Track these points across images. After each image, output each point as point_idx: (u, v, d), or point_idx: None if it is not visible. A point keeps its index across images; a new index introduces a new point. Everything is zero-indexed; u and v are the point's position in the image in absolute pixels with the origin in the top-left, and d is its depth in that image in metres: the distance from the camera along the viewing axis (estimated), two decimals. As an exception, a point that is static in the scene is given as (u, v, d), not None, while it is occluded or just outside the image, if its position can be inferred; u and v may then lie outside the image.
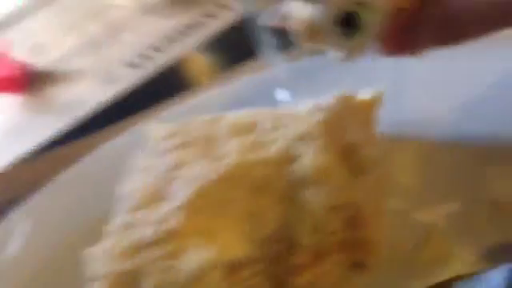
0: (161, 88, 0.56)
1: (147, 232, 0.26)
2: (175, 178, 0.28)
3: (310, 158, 0.25)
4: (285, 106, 0.32)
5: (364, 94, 0.30)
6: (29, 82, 0.65)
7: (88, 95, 0.60)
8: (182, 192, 0.26)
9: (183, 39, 0.60)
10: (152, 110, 0.52)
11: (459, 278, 0.23)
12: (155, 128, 0.32)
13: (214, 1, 0.62)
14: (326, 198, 0.25)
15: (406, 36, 0.24)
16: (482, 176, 0.29)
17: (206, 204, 0.26)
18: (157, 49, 0.61)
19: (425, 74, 0.33)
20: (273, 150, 0.27)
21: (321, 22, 0.24)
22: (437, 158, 0.31)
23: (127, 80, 0.58)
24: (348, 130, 0.27)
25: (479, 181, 0.29)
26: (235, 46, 0.56)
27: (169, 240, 0.26)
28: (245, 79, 0.42)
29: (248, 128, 0.29)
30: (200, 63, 0.60)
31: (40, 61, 0.68)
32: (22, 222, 0.38)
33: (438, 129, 0.32)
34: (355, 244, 0.27)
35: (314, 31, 0.24)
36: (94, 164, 0.39)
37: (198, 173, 0.27)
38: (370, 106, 0.30)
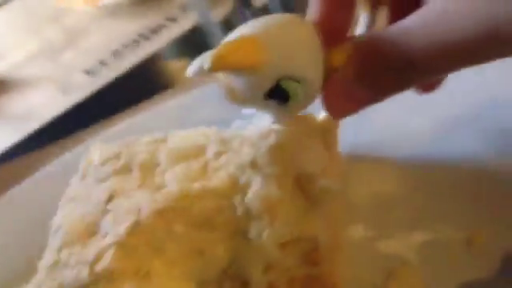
0: (120, 96, 0.53)
1: (77, 273, 0.23)
2: (109, 209, 0.24)
3: (258, 189, 0.22)
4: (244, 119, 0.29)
5: (323, 114, 0.27)
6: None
7: (44, 104, 0.56)
8: (115, 227, 0.23)
9: (144, 44, 0.57)
10: (109, 120, 0.49)
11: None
12: (93, 150, 0.29)
13: (174, 3, 0.59)
14: (277, 233, 0.22)
15: (347, 94, 0.21)
16: (454, 203, 0.26)
17: (143, 240, 0.23)
18: (117, 55, 0.57)
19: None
20: (218, 180, 0.24)
21: (248, 91, 0.21)
22: (405, 183, 0.28)
23: (85, 88, 0.55)
24: (305, 155, 0.24)
25: (451, 209, 0.26)
26: (196, 50, 0.53)
27: (101, 283, 0.22)
28: (203, 88, 0.39)
29: (192, 153, 0.26)
30: (162, 68, 0.57)
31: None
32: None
33: (408, 150, 0.29)
34: (313, 281, 0.24)
35: (241, 99, 0.21)
36: (34, 188, 0.36)
37: (133, 205, 0.24)
38: (331, 127, 0.27)
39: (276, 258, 0.23)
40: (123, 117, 0.47)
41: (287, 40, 0.21)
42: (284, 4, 0.41)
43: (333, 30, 0.22)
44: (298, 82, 0.20)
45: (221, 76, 0.22)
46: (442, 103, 0.30)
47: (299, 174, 0.23)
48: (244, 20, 0.40)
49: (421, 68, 0.19)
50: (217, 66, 0.20)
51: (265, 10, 0.43)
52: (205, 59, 0.20)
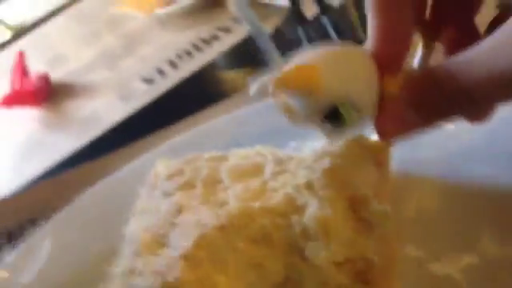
0: (176, 104, 0.56)
1: (150, 282, 0.25)
2: (176, 223, 0.27)
3: (314, 211, 0.24)
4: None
5: (375, 136, 0.28)
6: (46, 95, 0.66)
7: (104, 110, 0.60)
8: (182, 240, 0.26)
9: (198, 53, 0.59)
10: (168, 128, 0.51)
11: None
12: (159, 164, 0.32)
13: (226, 14, 0.61)
14: (332, 253, 0.24)
15: (400, 120, 0.23)
16: (502, 223, 0.27)
17: (207, 254, 0.25)
18: (172, 63, 0.60)
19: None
20: (277, 199, 0.26)
21: (305, 112, 0.23)
22: (457, 204, 0.29)
23: (142, 96, 0.58)
24: (358, 177, 0.26)
25: (499, 229, 0.27)
26: (251, 61, 0.54)
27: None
28: (260, 103, 0.41)
29: (251, 172, 0.28)
30: (217, 78, 0.59)
31: (57, 73, 0.68)
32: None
33: (462, 172, 0.30)
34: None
35: (298, 119, 0.23)
36: (98, 196, 0.39)
37: (199, 220, 0.26)
38: (383, 149, 0.28)
39: (330, 276, 0.24)
40: (181, 126, 0.49)
41: (345, 68, 0.22)
42: (334, 19, 0.43)
43: (389, 60, 0.24)
44: (354, 108, 0.22)
45: (281, 96, 0.24)
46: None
47: (353, 197, 0.25)
48: (296, 33, 0.42)
49: (474, 98, 0.20)
50: (278, 87, 0.22)
51: (316, 23, 0.44)
52: (267, 81, 0.22)
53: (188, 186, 0.29)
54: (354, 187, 0.25)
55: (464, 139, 0.31)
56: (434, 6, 0.26)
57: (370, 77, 0.23)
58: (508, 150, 0.30)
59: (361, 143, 0.27)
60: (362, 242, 0.24)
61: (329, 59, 0.22)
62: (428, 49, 0.27)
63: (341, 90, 0.22)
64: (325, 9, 0.42)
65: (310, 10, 0.45)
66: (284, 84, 0.22)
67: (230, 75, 0.57)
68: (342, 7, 0.43)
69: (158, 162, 0.32)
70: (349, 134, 0.25)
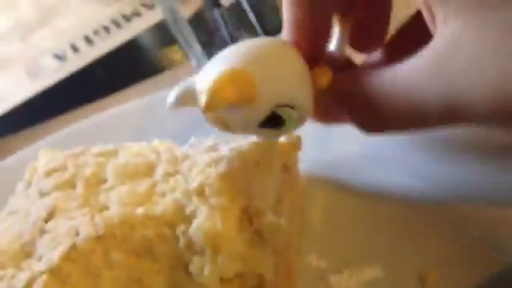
0: (88, 85, 0.51)
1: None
2: (47, 230, 0.23)
3: (202, 221, 0.21)
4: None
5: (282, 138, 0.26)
6: None
7: (8, 87, 0.54)
8: (50, 250, 0.22)
9: (117, 30, 0.54)
10: (74, 112, 0.47)
11: None
12: (42, 157, 0.28)
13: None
14: (219, 268, 0.21)
15: (329, 112, 0.24)
16: (408, 239, 0.25)
17: (79, 268, 0.22)
18: (88, 40, 0.55)
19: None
20: (163, 206, 0.22)
21: (242, 122, 0.21)
22: (364, 211, 0.27)
23: (52, 73, 0.52)
24: (257, 184, 0.23)
25: (406, 245, 0.25)
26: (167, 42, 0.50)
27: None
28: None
29: (141, 172, 0.24)
30: (136, 58, 0.54)
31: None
32: None
33: (371, 176, 0.28)
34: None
35: (234, 129, 0.21)
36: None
37: (72, 227, 0.22)
38: (291, 152, 0.26)
39: (217, 293, 0.21)
40: (89, 109, 0.45)
41: (277, 68, 0.20)
42: (255, 3, 0.40)
43: (311, 52, 0.22)
44: (293, 107, 0.20)
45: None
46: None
47: (247, 207, 0.22)
48: (212, 18, 0.38)
49: (386, 124, 0.20)
50: (213, 106, 0.19)
51: (235, 8, 0.41)
52: (189, 91, 0.20)
53: (67, 184, 0.25)
54: (250, 196, 0.22)
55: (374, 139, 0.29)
56: None
57: (302, 72, 0.21)
58: (421, 155, 0.28)
59: (267, 146, 0.24)
60: (255, 256, 0.22)
61: (259, 60, 0.20)
62: (343, 29, 0.25)
63: (278, 93, 0.20)
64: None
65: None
66: (218, 99, 0.19)
67: (152, 55, 0.52)
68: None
69: (41, 153, 0.28)
70: (286, 134, 0.24)
